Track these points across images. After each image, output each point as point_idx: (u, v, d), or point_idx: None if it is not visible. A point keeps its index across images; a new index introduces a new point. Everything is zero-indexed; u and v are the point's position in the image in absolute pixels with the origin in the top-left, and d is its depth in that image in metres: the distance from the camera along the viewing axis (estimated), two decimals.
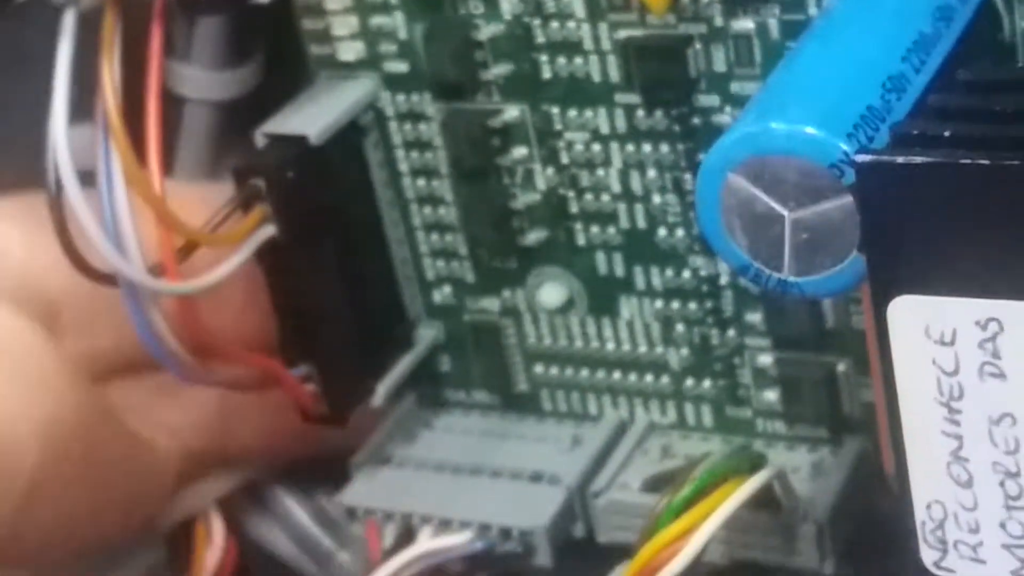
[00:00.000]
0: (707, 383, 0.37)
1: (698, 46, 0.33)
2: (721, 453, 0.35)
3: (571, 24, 0.35)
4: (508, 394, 0.39)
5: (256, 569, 0.41)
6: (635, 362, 0.38)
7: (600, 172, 0.36)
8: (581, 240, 0.37)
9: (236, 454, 0.40)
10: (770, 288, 0.28)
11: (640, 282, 0.37)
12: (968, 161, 0.24)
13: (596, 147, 0.36)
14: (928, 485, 0.26)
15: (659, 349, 0.37)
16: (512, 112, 0.36)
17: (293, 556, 0.42)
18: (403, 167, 0.38)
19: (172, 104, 0.37)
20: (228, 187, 0.35)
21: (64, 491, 0.35)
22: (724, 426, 0.37)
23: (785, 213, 0.27)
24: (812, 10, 0.32)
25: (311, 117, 0.36)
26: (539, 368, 0.39)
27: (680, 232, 0.36)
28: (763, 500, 0.33)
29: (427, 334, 0.39)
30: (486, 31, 0.35)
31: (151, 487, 0.39)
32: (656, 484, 0.36)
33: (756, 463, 0.34)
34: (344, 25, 0.37)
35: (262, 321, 0.37)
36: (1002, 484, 0.25)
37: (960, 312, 0.25)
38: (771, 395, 0.37)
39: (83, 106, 0.32)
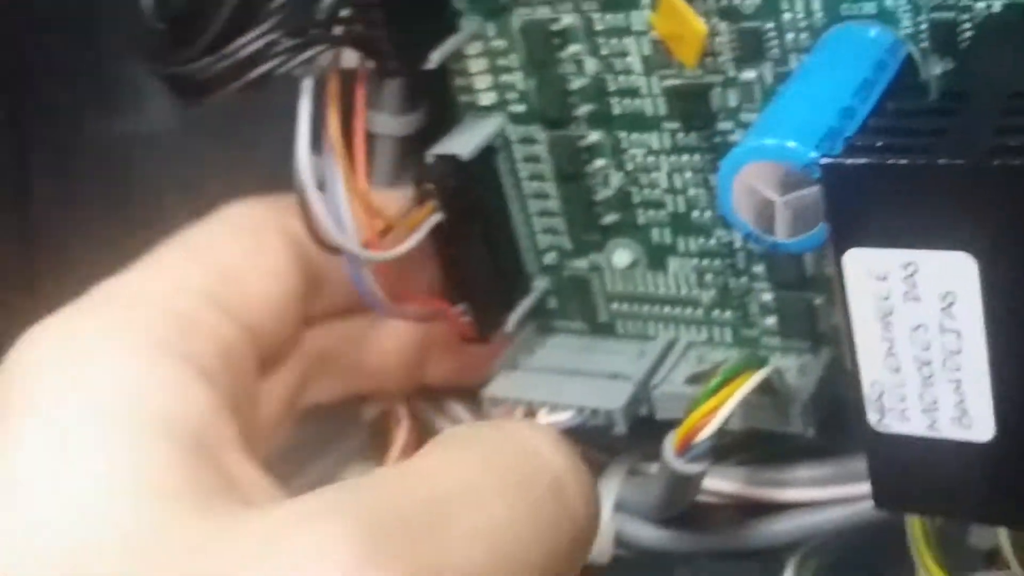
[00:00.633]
0: (727, 314, 0.37)
1: (718, 90, 0.34)
2: (737, 358, 0.35)
3: (632, 77, 0.35)
4: (594, 323, 0.40)
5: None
6: (678, 300, 0.38)
7: (653, 175, 0.36)
8: (641, 220, 0.37)
9: (428, 375, 0.40)
10: (768, 248, 0.29)
11: (681, 247, 0.37)
12: (894, 162, 0.24)
13: (651, 159, 0.36)
14: (872, 372, 0.26)
15: (695, 291, 0.37)
16: (594, 136, 0.36)
17: None
18: (523, 174, 0.38)
19: (371, 138, 0.37)
20: (409, 190, 0.36)
21: None
22: (739, 342, 0.38)
23: (776, 198, 0.28)
24: (793, 64, 0.32)
25: (462, 142, 0.37)
26: (615, 305, 0.39)
27: (708, 214, 0.36)
28: (766, 388, 0.34)
29: (540, 284, 0.40)
30: (576, 83, 0.36)
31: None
32: (694, 379, 0.36)
33: (761, 364, 0.34)
34: (482, 82, 0.37)
35: (433, 276, 0.37)
36: (919, 369, 0.26)
37: (891, 259, 0.25)
38: (770, 320, 0.37)
39: (315, 140, 0.33)
